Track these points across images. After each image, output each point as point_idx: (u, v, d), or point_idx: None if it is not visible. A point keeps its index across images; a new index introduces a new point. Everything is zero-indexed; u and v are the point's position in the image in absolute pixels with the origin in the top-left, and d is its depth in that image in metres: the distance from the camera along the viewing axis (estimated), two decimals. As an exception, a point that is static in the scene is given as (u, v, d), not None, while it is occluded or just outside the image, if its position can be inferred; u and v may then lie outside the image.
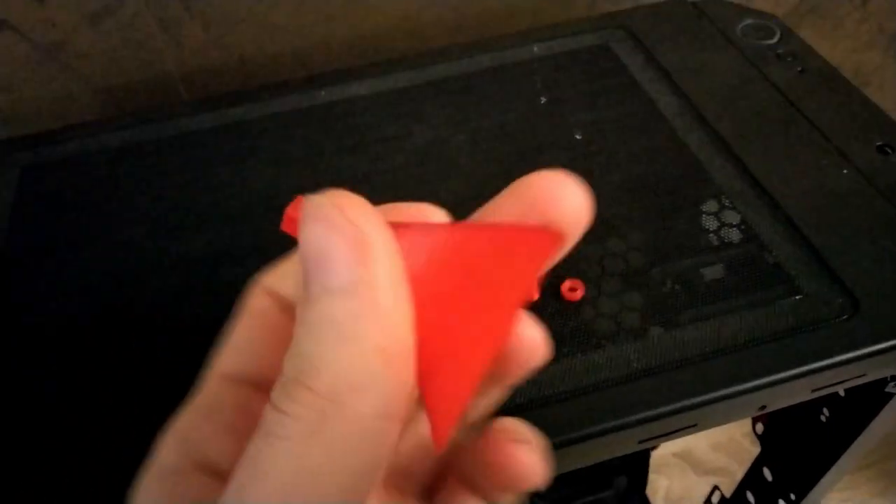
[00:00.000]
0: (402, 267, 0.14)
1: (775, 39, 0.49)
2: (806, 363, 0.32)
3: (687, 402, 0.31)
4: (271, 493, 0.12)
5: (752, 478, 0.61)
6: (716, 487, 0.71)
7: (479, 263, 0.15)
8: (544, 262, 0.15)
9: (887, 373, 0.36)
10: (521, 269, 0.15)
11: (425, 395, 0.14)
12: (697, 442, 0.99)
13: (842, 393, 0.45)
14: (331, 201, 0.13)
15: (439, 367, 0.14)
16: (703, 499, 0.75)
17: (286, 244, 0.39)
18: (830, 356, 0.32)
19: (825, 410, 0.48)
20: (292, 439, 0.12)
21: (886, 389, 0.38)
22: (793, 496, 0.55)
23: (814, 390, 0.34)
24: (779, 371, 0.32)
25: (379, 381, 0.13)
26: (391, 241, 0.13)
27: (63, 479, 0.31)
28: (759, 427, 0.60)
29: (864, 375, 0.34)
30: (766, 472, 0.58)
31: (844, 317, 0.33)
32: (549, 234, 0.15)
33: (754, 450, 0.60)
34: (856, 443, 0.44)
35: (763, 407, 0.34)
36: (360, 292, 0.13)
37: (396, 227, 0.14)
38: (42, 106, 0.54)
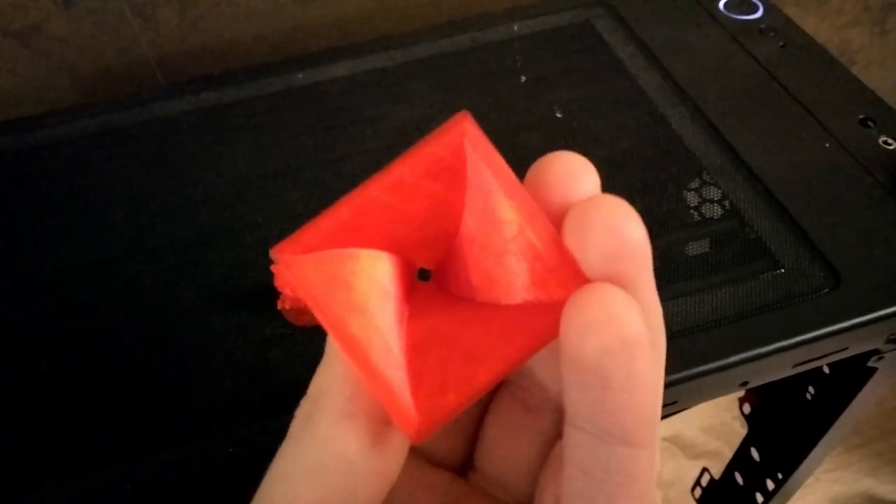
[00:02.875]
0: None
1: (758, 15, 0.48)
2: (787, 338, 0.32)
3: (666, 379, 0.31)
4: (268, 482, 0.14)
5: (740, 458, 0.61)
6: (705, 469, 0.71)
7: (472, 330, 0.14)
8: (541, 344, 0.13)
9: (869, 346, 0.35)
10: (516, 345, 0.13)
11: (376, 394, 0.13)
12: (687, 425, 0.99)
13: (826, 370, 0.45)
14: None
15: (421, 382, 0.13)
16: (693, 482, 0.76)
17: (263, 229, 0.39)
18: (811, 330, 0.32)
19: (810, 388, 0.47)
20: (291, 437, 0.14)
21: (869, 364, 0.38)
22: (780, 475, 0.55)
23: (795, 365, 0.34)
24: (759, 346, 0.31)
25: (338, 382, 0.14)
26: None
27: (38, 465, 0.30)
28: (746, 407, 0.60)
29: (845, 349, 0.34)
30: (754, 453, 0.58)
31: (825, 291, 0.33)
32: (554, 316, 0.13)
33: (745, 432, 0.60)
34: (840, 419, 0.44)
35: (745, 383, 0.33)
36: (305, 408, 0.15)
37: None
38: (17, 93, 0.53)
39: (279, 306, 0.34)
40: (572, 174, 0.14)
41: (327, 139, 0.43)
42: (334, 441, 0.14)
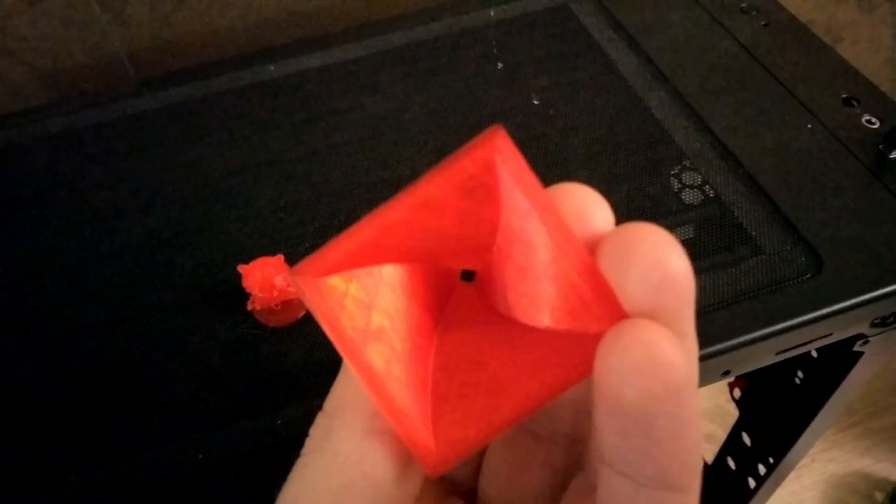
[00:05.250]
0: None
1: (738, -7, 0.47)
2: (769, 325, 0.31)
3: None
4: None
5: (731, 443, 0.60)
6: (698, 454, 0.71)
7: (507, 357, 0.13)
8: (572, 382, 0.12)
9: (854, 331, 0.35)
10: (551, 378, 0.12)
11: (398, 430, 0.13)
12: (683, 409, 0.98)
13: (814, 354, 0.44)
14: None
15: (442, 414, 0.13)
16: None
17: (233, 227, 0.38)
18: (794, 317, 0.31)
19: (799, 373, 0.47)
20: (306, 455, 0.14)
21: (854, 349, 0.37)
22: (771, 459, 0.54)
23: (778, 353, 0.33)
24: (741, 334, 0.31)
25: (361, 397, 0.13)
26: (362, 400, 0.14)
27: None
28: (737, 392, 0.59)
29: (830, 335, 0.33)
30: (745, 437, 0.58)
31: (808, 276, 0.32)
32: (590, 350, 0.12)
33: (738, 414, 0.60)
34: (829, 403, 0.44)
35: (727, 372, 0.33)
36: (321, 426, 0.14)
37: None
38: (-15, 93, 0.52)
39: (249, 307, 0.33)
40: (585, 209, 0.13)
41: (299, 132, 0.42)
42: (360, 461, 0.13)
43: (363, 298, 0.12)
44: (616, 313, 0.12)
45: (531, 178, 0.12)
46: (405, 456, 0.13)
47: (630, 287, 0.12)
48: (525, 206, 0.12)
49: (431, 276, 0.14)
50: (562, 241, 0.12)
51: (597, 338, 0.11)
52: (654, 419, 0.11)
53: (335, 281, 0.12)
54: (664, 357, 0.11)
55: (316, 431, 0.14)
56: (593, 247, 0.12)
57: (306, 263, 0.12)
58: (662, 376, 0.11)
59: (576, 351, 0.12)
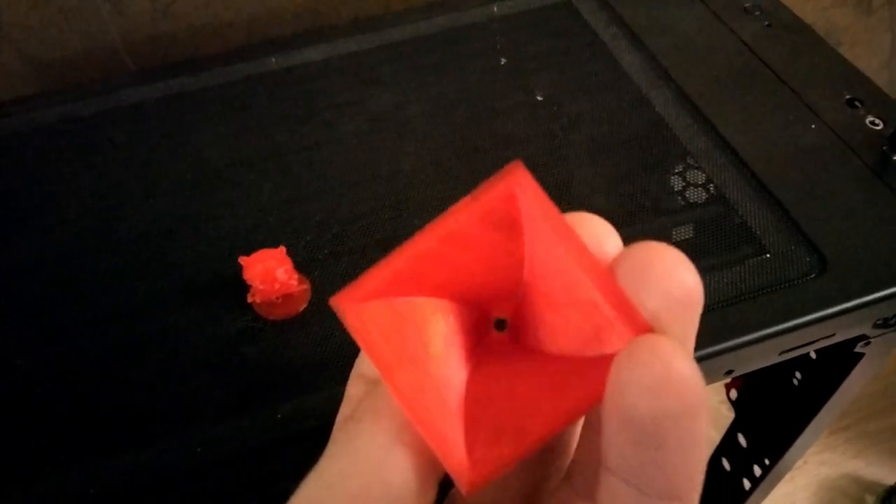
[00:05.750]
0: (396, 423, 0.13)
1: (742, -7, 0.47)
2: (773, 325, 0.31)
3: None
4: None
5: (726, 444, 0.60)
6: (693, 454, 0.71)
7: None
8: (600, 398, 0.13)
9: (856, 332, 0.35)
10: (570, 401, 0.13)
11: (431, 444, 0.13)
12: (676, 410, 0.99)
13: (813, 355, 0.44)
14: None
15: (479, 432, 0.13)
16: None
17: (233, 220, 0.37)
18: (798, 317, 0.31)
19: (797, 374, 0.47)
20: (328, 458, 0.13)
21: (856, 350, 0.37)
22: (767, 461, 0.54)
23: (782, 352, 0.33)
24: (745, 333, 0.31)
25: (388, 406, 0.13)
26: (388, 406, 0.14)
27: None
28: (733, 393, 0.59)
29: (832, 336, 0.33)
30: (741, 438, 0.58)
31: (812, 276, 0.32)
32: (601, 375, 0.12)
33: (732, 416, 0.60)
34: (827, 405, 0.44)
35: (730, 371, 0.33)
36: (349, 431, 0.13)
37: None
38: (-20, 82, 0.51)
39: (249, 300, 0.33)
40: (598, 237, 0.13)
41: (300, 125, 0.42)
42: (382, 468, 0.13)
43: (400, 325, 0.13)
44: (642, 329, 0.12)
45: (551, 208, 0.13)
46: (425, 470, 0.13)
47: (648, 304, 0.12)
48: (547, 234, 0.13)
49: (466, 318, 0.15)
50: (585, 264, 0.13)
51: None
52: (667, 435, 0.11)
53: (373, 307, 0.13)
54: (680, 376, 0.11)
55: (340, 435, 0.13)
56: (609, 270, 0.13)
57: (346, 291, 0.13)
58: (678, 395, 0.11)
59: (602, 370, 0.12)
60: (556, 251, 0.13)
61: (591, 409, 0.12)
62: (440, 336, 0.14)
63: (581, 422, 0.16)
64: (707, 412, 0.11)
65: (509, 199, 0.13)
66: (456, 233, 0.13)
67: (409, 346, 0.13)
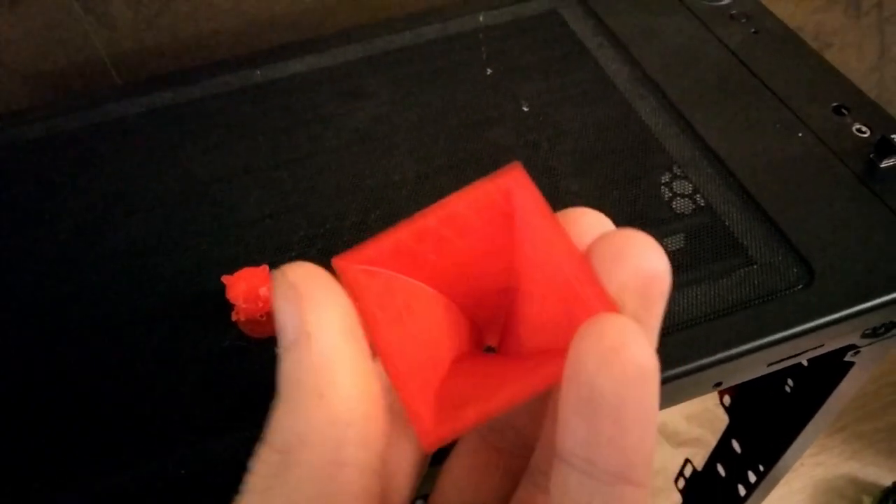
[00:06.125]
0: (346, 312, 0.13)
1: (728, 0, 0.47)
2: (760, 337, 0.31)
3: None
4: None
5: (721, 450, 0.60)
6: (687, 461, 0.71)
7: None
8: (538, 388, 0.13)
9: (845, 342, 0.34)
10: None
11: (405, 406, 0.13)
12: (671, 414, 0.98)
13: (805, 363, 0.44)
14: (279, 270, 0.14)
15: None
16: (677, 472, 0.75)
17: (217, 235, 0.37)
18: (785, 328, 0.31)
19: (789, 381, 0.47)
20: (253, 494, 0.13)
21: (846, 359, 0.37)
22: (761, 467, 0.54)
23: (770, 364, 0.33)
24: (733, 346, 0.30)
25: (321, 427, 0.13)
26: (333, 292, 0.13)
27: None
28: (727, 399, 0.59)
29: (821, 346, 0.33)
30: (735, 445, 0.58)
31: (799, 287, 0.32)
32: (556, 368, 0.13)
33: (727, 420, 0.60)
34: (819, 413, 0.44)
35: (718, 384, 0.32)
36: (300, 344, 0.13)
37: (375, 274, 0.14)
38: (-36, 96, 0.51)
39: (233, 318, 0.33)
40: (591, 231, 0.14)
41: (285, 139, 0.42)
42: (325, 498, 0.12)
43: (393, 295, 0.14)
44: (609, 310, 0.13)
45: (544, 206, 0.14)
46: (372, 493, 0.13)
47: (614, 285, 0.13)
48: (536, 228, 0.14)
49: (461, 328, 0.15)
50: (566, 253, 0.13)
51: None
52: (624, 404, 0.11)
53: (373, 277, 0.14)
54: (636, 344, 0.11)
55: (263, 467, 0.13)
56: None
57: (347, 254, 0.14)
58: (636, 361, 0.11)
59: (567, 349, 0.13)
60: (542, 244, 0.14)
61: (553, 384, 0.13)
62: (430, 318, 0.15)
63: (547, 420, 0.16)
64: (658, 387, 0.12)
65: (505, 194, 0.14)
66: (454, 216, 0.14)
67: (401, 316, 0.14)
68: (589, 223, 0.14)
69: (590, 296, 0.13)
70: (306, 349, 0.13)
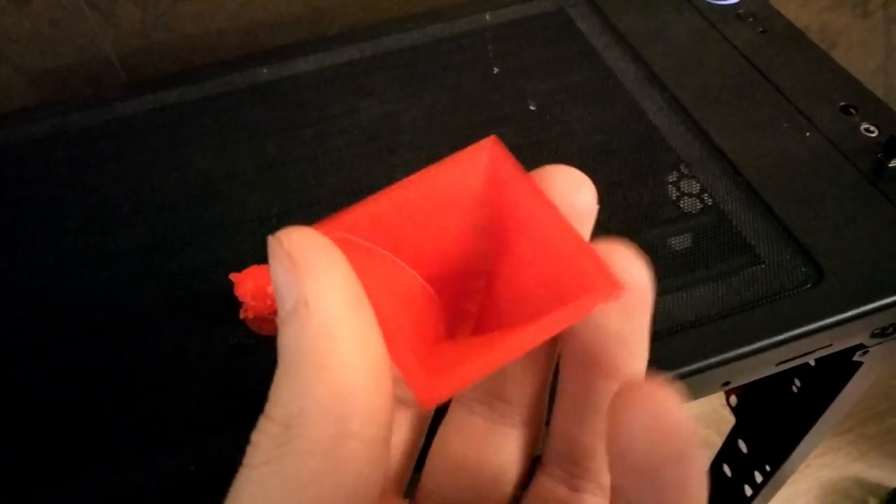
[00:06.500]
0: (348, 279, 0.13)
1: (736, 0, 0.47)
2: (769, 336, 0.30)
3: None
4: None
5: (727, 450, 0.60)
6: (693, 461, 0.70)
7: None
8: (559, 328, 0.13)
9: (854, 342, 0.34)
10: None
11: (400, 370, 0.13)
12: (677, 414, 0.98)
13: (812, 363, 0.44)
14: (274, 236, 0.13)
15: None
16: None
17: (224, 234, 0.37)
18: (794, 328, 0.31)
19: (796, 381, 0.46)
20: (254, 468, 0.13)
21: (854, 359, 0.37)
22: (768, 467, 0.54)
23: (778, 363, 0.33)
24: (741, 346, 0.30)
25: (324, 399, 0.12)
26: (332, 258, 0.13)
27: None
28: (733, 399, 0.59)
29: (829, 346, 0.33)
30: (742, 445, 0.58)
31: (808, 286, 0.32)
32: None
33: (733, 420, 0.59)
34: (826, 413, 0.43)
35: (727, 383, 0.32)
36: (299, 313, 0.12)
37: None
38: (-28, 95, 0.51)
39: (241, 316, 0.33)
40: (574, 186, 0.14)
41: (292, 137, 0.42)
42: (331, 472, 0.12)
43: (374, 267, 0.13)
44: (608, 280, 0.13)
45: (521, 173, 0.14)
46: (379, 464, 0.13)
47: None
48: (517, 195, 0.14)
49: (436, 310, 0.15)
50: (553, 221, 0.13)
51: (588, 294, 0.13)
52: (663, 472, 0.12)
53: (350, 240, 0.13)
54: (672, 421, 0.12)
55: (264, 440, 0.13)
56: (580, 223, 0.14)
57: (325, 221, 0.13)
58: (671, 438, 0.12)
59: (557, 306, 0.13)
60: (524, 211, 0.14)
61: (553, 335, 0.13)
62: (411, 304, 0.14)
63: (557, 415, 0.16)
64: (698, 450, 0.12)
65: (483, 164, 0.14)
66: (432, 186, 0.14)
67: (382, 287, 0.13)
68: (563, 179, 0.14)
69: (579, 257, 0.13)
70: (306, 319, 0.12)
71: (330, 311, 0.12)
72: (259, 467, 0.12)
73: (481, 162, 0.14)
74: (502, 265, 0.15)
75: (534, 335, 0.13)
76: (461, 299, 0.15)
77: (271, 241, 0.13)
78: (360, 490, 0.12)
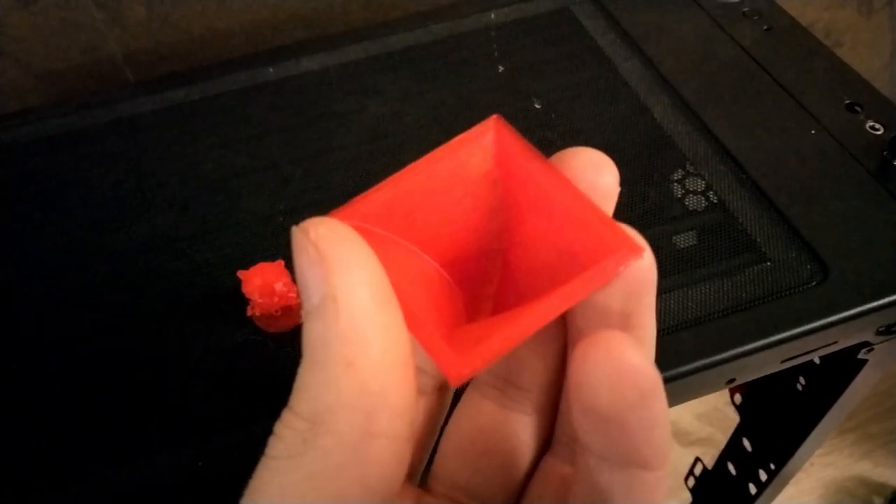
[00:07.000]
0: (376, 274, 0.13)
1: (741, -3, 0.47)
2: (774, 333, 0.31)
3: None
4: None
5: (732, 448, 0.60)
6: (697, 459, 0.70)
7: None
8: (584, 293, 0.13)
9: (859, 339, 0.34)
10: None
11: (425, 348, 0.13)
12: (681, 413, 0.98)
13: (817, 361, 0.44)
14: (299, 227, 0.13)
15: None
16: (687, 471, 0.75)
17: (231, 232, 0.37)
18: (799, 325, 0.31)
19: (801, 379, 0.46)
20: (278, 459, 0.13)
21: (859, 356, 0.37)
22: (772, 466, 0.54)
23: (784, 360, 0.33)
24: (746, 343, 0.30)
25: (351, 397, 0.12)
26: (360, 252, 0.13)
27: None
28: (738, 398, 0.59)
29: (835, 343, 0.33)
30: (746, 443, 0.58)
31: (813, 283, 0.32)
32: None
33: (737, 419, 0.60)
34: (831, 411, 0.43)
35: (732, 380, 0.32)
36: (326, 309, 0.12)
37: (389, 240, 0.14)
38: (-20, 94, 0.51)
39: (249, 313, 0.33)
40: (596, 167, 0.14)
41: (299, 135, 0.42)
42: (354, 468, 0.12)
43: (390, 256, 0.13)
44: (626, 242, 0.13)
45: (529, 148, 0.14)
46: (403, 461, 0.13)
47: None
48: (529, 172, 0.13)
49: (453, 296, 0.15)
50: (568, 192, 0.13)
51: (608, 256, 0.12)
52: (627, 419, 0.12)
53: (365, 229, 0.13)
54: (633, 367, 0.12)
55: (288, 434, 0.13)
56: (600, 204, 0.14)
57: (337, 211, 0.13)
58: (632, 385, 0.12)
59: (583, 272, 0.13)
60: (535, 185, 0.13)
61: (575, 302, 0.13)
62: (429, 291, 0.14)
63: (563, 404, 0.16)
64: (662, 395, 0.12)
65: (488, 144, 0.14)
66: (440, 169, 0.14)
67: (400, 275, 0.13)
68: (585, 160, 0.14)
69: (595, 223, 0.13)
70: (334, 315, 0.12)
71: (359, 309, 0.12)
72: (282, 459, 0.13)
73: (486, 141, 0.14)
74: (517, 243, 0.14)
75: (558, 302, 0.13)
76: (478, 283, 0.15)
77: (296, 232, 0.13)
78: (381, 485, 0.12)
